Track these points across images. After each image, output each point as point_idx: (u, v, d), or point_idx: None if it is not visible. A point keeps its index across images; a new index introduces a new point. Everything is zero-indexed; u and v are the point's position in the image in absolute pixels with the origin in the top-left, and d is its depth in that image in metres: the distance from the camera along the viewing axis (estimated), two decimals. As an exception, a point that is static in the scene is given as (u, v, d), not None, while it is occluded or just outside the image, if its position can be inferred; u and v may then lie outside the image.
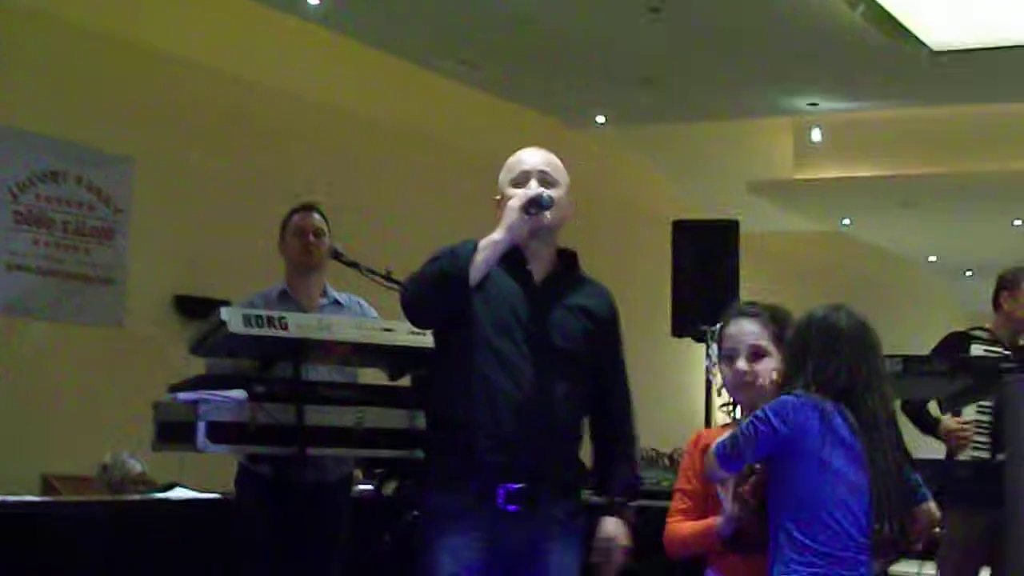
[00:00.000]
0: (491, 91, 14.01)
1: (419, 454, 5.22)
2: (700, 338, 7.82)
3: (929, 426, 6.69)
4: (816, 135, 15.86)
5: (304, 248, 6.12)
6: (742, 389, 4.02)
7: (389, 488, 5.72)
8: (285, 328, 5.04)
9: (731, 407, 4.27)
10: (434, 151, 13.27)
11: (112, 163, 10.14)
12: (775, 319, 4.03)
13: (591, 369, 4.39)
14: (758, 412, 3.75)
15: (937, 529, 6.02)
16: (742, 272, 8.51)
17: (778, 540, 3.73)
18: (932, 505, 4.03)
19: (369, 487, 6.76)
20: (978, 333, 6.84)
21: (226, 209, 10.86)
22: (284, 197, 7.08)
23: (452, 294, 4.23)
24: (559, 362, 4.28)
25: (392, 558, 5.32)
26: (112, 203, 10.14)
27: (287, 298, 6.07)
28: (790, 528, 3.71)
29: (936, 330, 7.21)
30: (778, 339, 3.99)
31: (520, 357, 4.24)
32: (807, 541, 3.69)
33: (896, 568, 5.55)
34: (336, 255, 6.06)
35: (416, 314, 4.39)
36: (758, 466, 3.80)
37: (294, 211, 6.25)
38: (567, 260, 4.49)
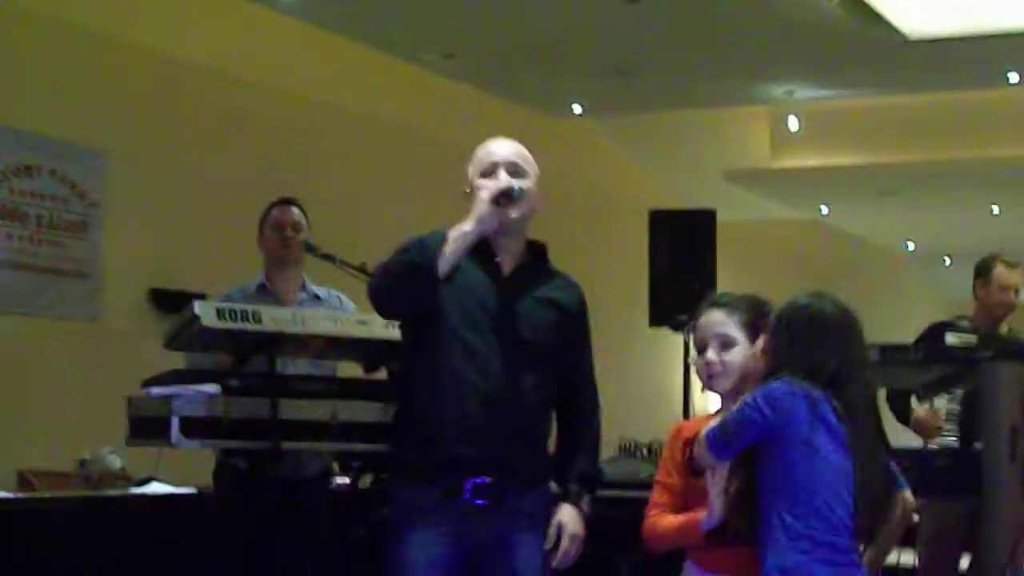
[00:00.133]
0: (468, 82, 13.99)
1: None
2: (677, 327, 7.82)
3: (905, 416, 6.70)
4: (793, 123, 15.88)
5: (282, 242, 6.13)
6: (714, 380, 4.00)
7: (366, 481, 5.72)
8: (259, 322, 5.02)
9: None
10: (411, 142, 13.24)
11: (86, 157, 10.09)
12: (751, 308, 4.01)
13: (559, 361, 4.38)
14: (747, 399, 3.74)
15: (916, 516, 6.04)
16: (719, 261, 8.51)
17: (770, 527, 3.72)
18: (908, 493, 4.03)
19: (346, 480, 6.76)
20: (958, 322, 6.84)
21: (201, 202, 10.83)
22: (261, 190, 7.06)
23: (420, 286, 4.22)
24: (527, 354, 4.27)
25: (368, 551, 5.30)
26: (86, 197, 10.09)
27: (265, 292, 6.08)
28: (783, 515, 3.70)
29: (916, 318, 7.22)
30: (750, 327, 3.97)
31: (488, 349, 4.23)
32: (800, 527, 3.68)
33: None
34: (310, 249, 6.06)
35: (383, 305, 4.37)
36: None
37: (272, 205, 6.26)
38: (536, 252, 4.47)
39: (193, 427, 4.93)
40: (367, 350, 5.42)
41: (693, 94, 14.66)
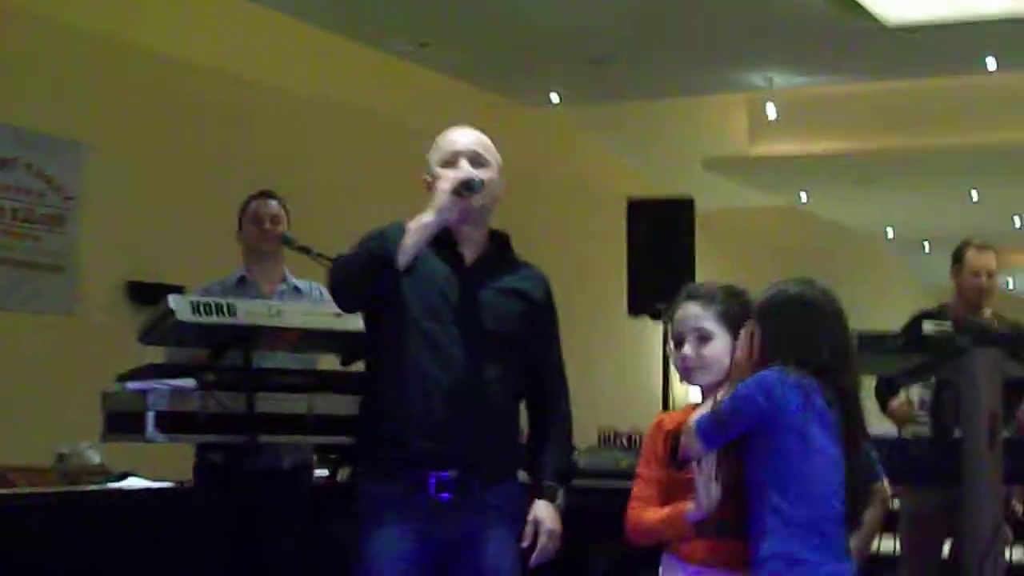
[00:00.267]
0: (445, 71, 13.96)
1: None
2: (657, 316, 7.81)
3: (887, 406, 6.72)
4: (771, 111, 15.87)
5: (261, 235, 6.13)
6: (692, 374, 3.97)
7: (344, 474, 5.68)
8: (234, 315, 4.99)
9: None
10: (387, 132, 13.20)
11: (62, 149, 10.05)
12: (728, 300, 3.98)
13: (525, 352, 4.35)
14: (739, 388, 3.72)
15: (896, 502, 6.05)
16: (699, 249, 8.49)
17: (761, 516, 3.71)
18: (885, 484, 4.04)
19: (324, 473, 6.74)
20: (943, 311, 6.85)
21: (178, 195, 10.79)
22: (237, 182, 7.04)
23: (378, 277, 4.18)
24: (491, 345, 4.23)
25: (345, 544, 5.28)
26: (63, 190, 10.05)
27: (246, 284, 6.08)
28: (777, 503, 3.68)
29: (896, 304, 7.23)
30: (728, 319, 3.94)
31: (450, 341, 4.19)
32: (793, 515, 3.67)
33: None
34: (287, 241, 6.04)
35: (342, 297, 4.33)
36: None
37: (252, 198, 6.25)
38: (500, 241, 4.43)
39: (169, 422, 4.90)
40: (344, 343, 5.39)
41: (671, 82, 14.65)
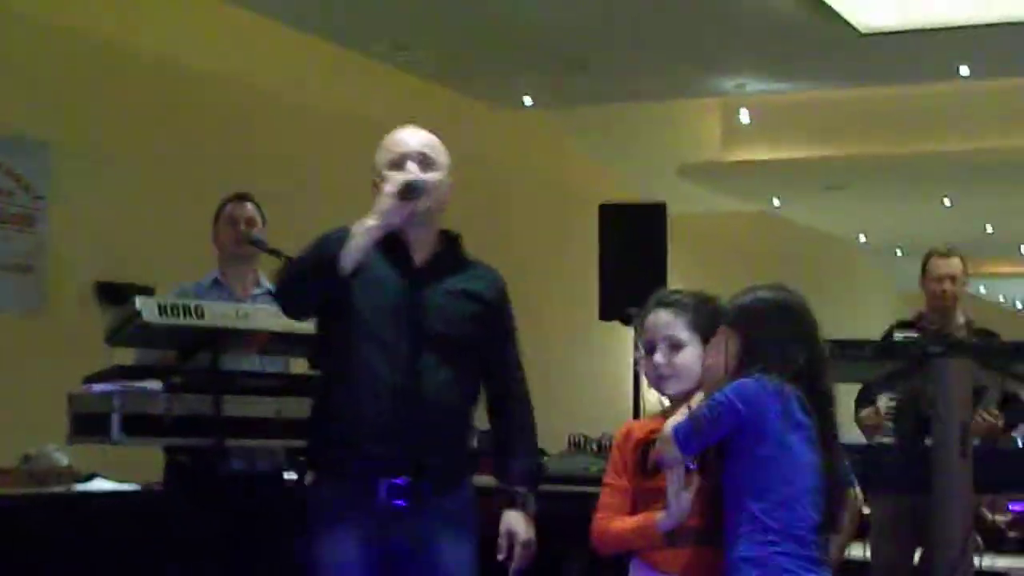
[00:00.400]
0: (419, 73, 13.92)
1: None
2: (628, 321, 7.79)
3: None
4: (744, 116, 15.89)
5: (236, 237, 6.10)
6: (663, 382, 3.93)
7: (311, 478, 5.66)
8: (201, 317, 4.97)
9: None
10: (361, 135, 13.11)
11: (31, 149, 9.98)
12: (699, 307, 3.94)
13: (479, 354, 4.31)
14: (717, 395, 3.68)
15: (867, 510, 6.03)
16: (671, 254, 8.49)
17: (737, 522, 3.68)
18: (858, 491, 4.01)
19: (294, 476, 6.70)
20: (919, 318, 6.87)
21: (149, 195, 10.73)
22: (209, 183, 7.01)
23: (323, 283, 4.14)
24: (441, 348, 4.19)
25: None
26: (32, 190, 9.98)
27: (220, 287, 6.08)
28: (753, 510, 3.66)
29: (869, 310, 7.25)
30: (699, 327, 3.90)
31: (399, 343, 4.16)
32: (771, 522, 3.65)
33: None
34: (257, 243, 6.01)
35: (288, 303, 4.31)
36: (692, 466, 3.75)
37: (227, 200, 6.24)
38: (450, 242, 4.39)
39: (135, 424, 4.88)
40: (312, 345, 5.37)
41: (644, 87, 14.64)
